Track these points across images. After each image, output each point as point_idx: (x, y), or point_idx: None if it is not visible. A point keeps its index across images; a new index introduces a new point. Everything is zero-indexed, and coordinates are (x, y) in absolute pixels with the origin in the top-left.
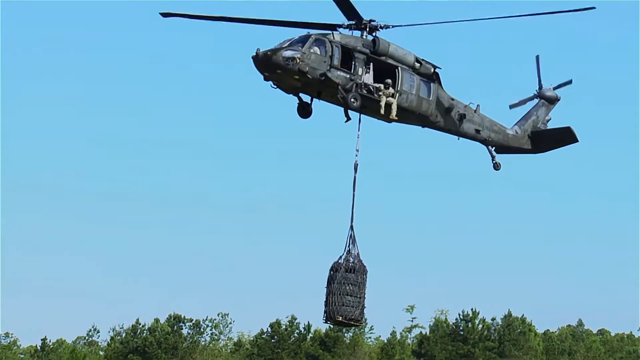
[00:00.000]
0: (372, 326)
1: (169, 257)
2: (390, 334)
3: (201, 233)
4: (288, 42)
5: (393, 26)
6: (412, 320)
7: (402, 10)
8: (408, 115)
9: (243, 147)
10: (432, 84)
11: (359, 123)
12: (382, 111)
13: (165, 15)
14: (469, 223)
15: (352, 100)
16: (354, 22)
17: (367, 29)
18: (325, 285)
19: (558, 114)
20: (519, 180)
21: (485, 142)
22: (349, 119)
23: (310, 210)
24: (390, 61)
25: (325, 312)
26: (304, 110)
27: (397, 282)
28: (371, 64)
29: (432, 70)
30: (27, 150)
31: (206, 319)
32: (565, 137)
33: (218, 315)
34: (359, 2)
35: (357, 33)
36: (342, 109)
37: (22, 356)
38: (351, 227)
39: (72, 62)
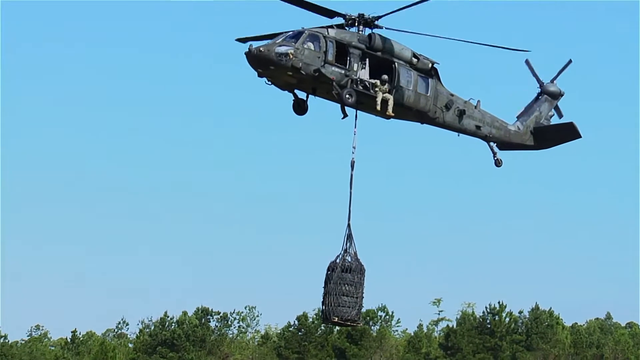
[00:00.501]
0: (399, 319)
1: (197, 251)
2: (417, 327)
3: (228, 227)
4: (281, 38)
5: (383, 15)
6: (438, 314)
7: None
8: (405, 112)
9: (263, 142)
10: (430, 80)
11: (356, 120)
12: (379, 107)
13: (241, 40)
14: (496, 217)
15: (347, 96)
16: (344, 21)
17: (362, 24)
18: (323, 285)
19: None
20: (542, 174)
21: (486, 138)
22: (345, 115)
23: (337, 203)
24: (387, 57)
25: (322, 312)
26: (300, 107)
27: (423, 276)
28: (367, 59)
29: (430, 65)
30: (65, 146)
31: (233, 312)
32: (568, 132)
33: (245, 308)
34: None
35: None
36: (339, 105)
37: (52, 348)
38: (348, 225)
39: (78, 57)
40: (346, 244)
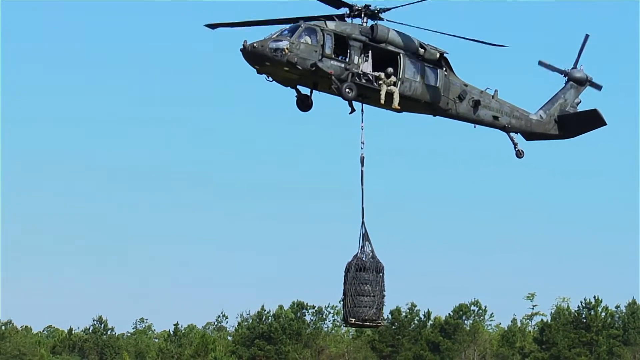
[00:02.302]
0: (492, 313)
1: (292, 245)
2: (511, 322)
3: (322, 222)
4: (277, 33)
5: (391, 8)
6: (532, 308)
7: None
8: (414, 104)
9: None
10: (439, 70)
11: (362, 114)
12: (382, 101)
13: (211, 26)
14: (590, 212)
15: (347, 90)
16: (349, 11)
17: (367, 16)
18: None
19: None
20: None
21: (505, 129)
22: (353, 110)
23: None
24: (391, 48)
25: (343, 314)
26: (303, 103)
27: (517, 270)
28: (370, 51)
29: (438, 55)
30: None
31: (328, 306)
32: (592, 120)
33: (339, 302)
34: None
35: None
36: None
37: (156, 341)
38: (362, 223)
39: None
40: (362, 243)
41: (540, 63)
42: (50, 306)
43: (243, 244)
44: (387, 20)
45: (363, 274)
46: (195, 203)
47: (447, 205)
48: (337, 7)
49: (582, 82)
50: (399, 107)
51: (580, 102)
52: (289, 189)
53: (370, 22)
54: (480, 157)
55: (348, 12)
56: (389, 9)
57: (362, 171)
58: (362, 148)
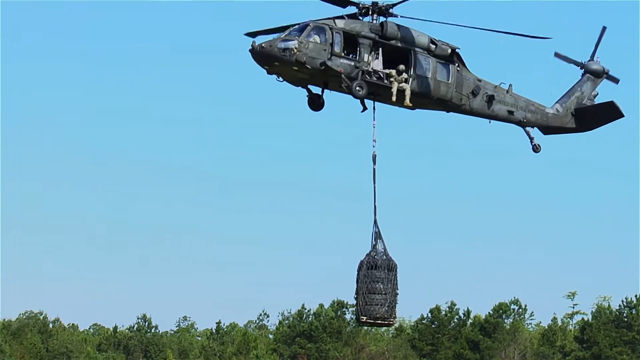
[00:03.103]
0: (532, 312)
1: (331, 245)
2: (552, 320)
3: (361, 221)
4: (286, 32)
5: (402, 16)
6: (573, 307)
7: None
8: (426, 101)
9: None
10: (451, 66)
11: (374, 112)
12: (394, 98)
13: (250, 35)
14: (632, 210)
15: (357, 88)
16: (358, 10)
17: (376, 13)
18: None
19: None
20: None
21: (520, 123)
22: (365, 108)
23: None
24: (402, 45)
25: (355, 312)
26: (315, 103)
27: (558, 269)
28: (380, 49)
29: (450, 51)
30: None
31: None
32: (608, 112)
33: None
34: None
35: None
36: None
37: (199, 339)
38: (375, 221)
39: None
40: (374, 241)
41: (557, 55)
42: (96, 304)
43: (283, 243)
44: (401, 17)
45: (375, 272)
46: (237, 203)
47: (489, 203)
48: (344, 7)
49: (599, 75)
50: (410, 104)
51: (597, 94)
52: (328, 189)
53: (381, 19)
54: (519, 153)
55: (357, 11)
56: (396, 4)
57: (374, 169)
58: (374, 146)
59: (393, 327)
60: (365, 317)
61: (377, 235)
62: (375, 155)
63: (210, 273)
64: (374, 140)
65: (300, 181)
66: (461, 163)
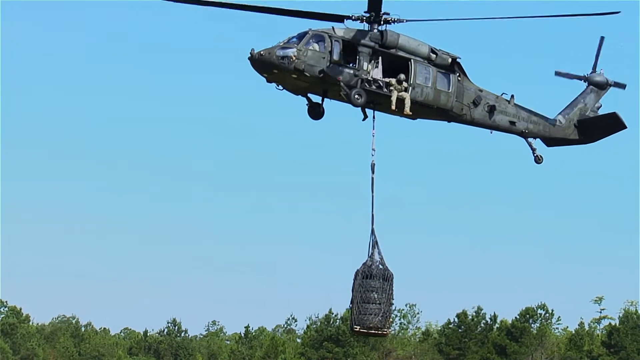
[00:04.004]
0: (560, 317)
1: (360, 250)
2: (579, 325)
3: (390, 226)
4: (285, 40)
5: (407, 20)
6: (600, 312)
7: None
8: (426, 110)
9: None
10: (451, 75)
11: (374, 120)
12: (394, 107)
13: None
14: None
15: (356, 96)
16: (366, 15)
17: (379, 22)
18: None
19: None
20: None
21: (522, 134)
22: (366, 117)
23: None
24: (402, 53)
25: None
26: (314, 112)
27: (585, 274)
28: (380, 57)
29: (450, 60)
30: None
31: (394, 309)
32: (611, 123)
33: (406, 305)
34: None
35: (367, 26)
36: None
37: (228, 343)
38: (372, 231)
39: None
40: (371, 250)
41: (557, 73)
42: (127, 309)
43: (311, 247)
44: (407, 21)
45: (370, 282)
46: (266, 206)
47: (516, 209)
48: (369, 9)
49: (603, 86)
50: (410, 113)
51: (601, 106)
52: (358, 192)
53: (380, 28)
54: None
55: (356, 15)
56: (402, 21)
57: (372, 178)
58: (372, 155)
59: (418, 333)
60: (358, 327)
61: (374, 245)
62: (374, 164)
63: (238, 278)
64: (373, 149)
65: (329, 184)
66: (491, 168)
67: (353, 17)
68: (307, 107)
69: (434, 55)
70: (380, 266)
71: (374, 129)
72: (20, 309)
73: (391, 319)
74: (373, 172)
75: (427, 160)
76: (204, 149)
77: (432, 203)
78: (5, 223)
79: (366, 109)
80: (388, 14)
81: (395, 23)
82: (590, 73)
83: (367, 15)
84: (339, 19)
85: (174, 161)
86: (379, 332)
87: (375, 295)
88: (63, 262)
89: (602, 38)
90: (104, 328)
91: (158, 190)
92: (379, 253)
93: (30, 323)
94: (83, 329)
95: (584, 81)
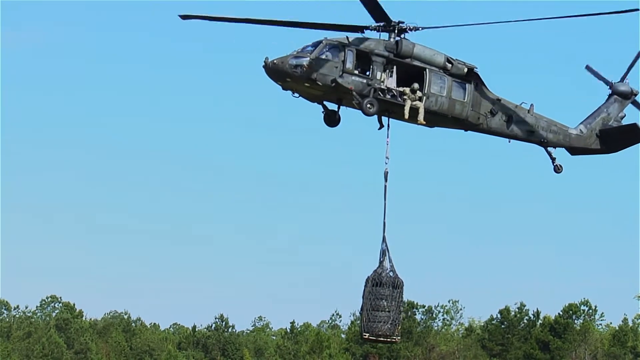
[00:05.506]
0: (603, 313)
1: (403, 246)
2: (622, 321)
3: (433, 223)
4: (299, 49)
5: (423, 28)
6: None
7: (435, 11)
8: (441, 119)
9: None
10: (467, 85)
11: (388, 129)
12: (407, 116)
13: (184, 17)
14: None
15: (368, 106)
16: (381, 24)
17: (395, 31)
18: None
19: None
20: None
21: (541, 143)
22: (382, 125)
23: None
24: (417, 63)
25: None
26: (330, 119)
27: (628, 271)
28: (395, 67)
29: (466, 70)
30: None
31: (437, 305)
32: (631, 134)
33: (449, 301)
34: (389, 2)
35: (385, 35)
36: (376, 115)
37: (273, 338)
38: (383, 238)
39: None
40: (381, 257)
41: (588, 68)
42: (176, 305)
43: (355, 244)
44: (422, 28)
45: (380, 289)
46: (312, 204)
47: (560, 206)
48: (376, 20)
49: (627, 96)
50: (424, 122)
51: (625, 116)
52: (398, 191)
53: (396, 38)
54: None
55: (373, 25)
56: (418, 28)
57: (385, 186)
58: (386, 163)
59: (462, 330)
60: (367, 334)
61: (385, 252)
62: (387, 172)
63: (284, 274)
64: (387, 157)
65: (369, 182)
66: (531, 166)
67: (371, 27)
68: (322, 114)
69: (449, 65)
70: (391, 274)
71: (388, 137)
72: (74, 304)
73: (400, 326)
74: (386, 180)
75: (469, 157)
76: (265, 151)
77: (475, 200)
78: (61, 224)
79: (382, 117)
80: (403, 22)
81: (412, 31)
82: (617, 82)
83: (383, 24)
84: (358, 29)
85: (225, 161)
86: (388, 339)
87: (385, 303)
88: (114, 260)
89: (639, 53)
90: (154, 323)
91: (203, 188)
92: (390, 260)
93: (84, 318)
94: (134, 324)
95: (609, 87)
